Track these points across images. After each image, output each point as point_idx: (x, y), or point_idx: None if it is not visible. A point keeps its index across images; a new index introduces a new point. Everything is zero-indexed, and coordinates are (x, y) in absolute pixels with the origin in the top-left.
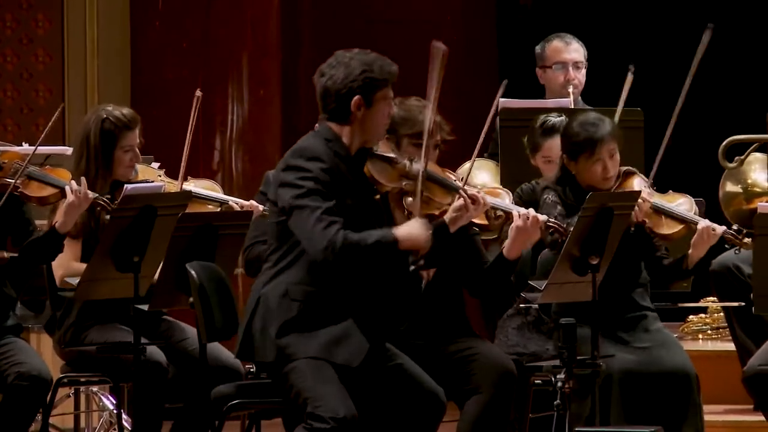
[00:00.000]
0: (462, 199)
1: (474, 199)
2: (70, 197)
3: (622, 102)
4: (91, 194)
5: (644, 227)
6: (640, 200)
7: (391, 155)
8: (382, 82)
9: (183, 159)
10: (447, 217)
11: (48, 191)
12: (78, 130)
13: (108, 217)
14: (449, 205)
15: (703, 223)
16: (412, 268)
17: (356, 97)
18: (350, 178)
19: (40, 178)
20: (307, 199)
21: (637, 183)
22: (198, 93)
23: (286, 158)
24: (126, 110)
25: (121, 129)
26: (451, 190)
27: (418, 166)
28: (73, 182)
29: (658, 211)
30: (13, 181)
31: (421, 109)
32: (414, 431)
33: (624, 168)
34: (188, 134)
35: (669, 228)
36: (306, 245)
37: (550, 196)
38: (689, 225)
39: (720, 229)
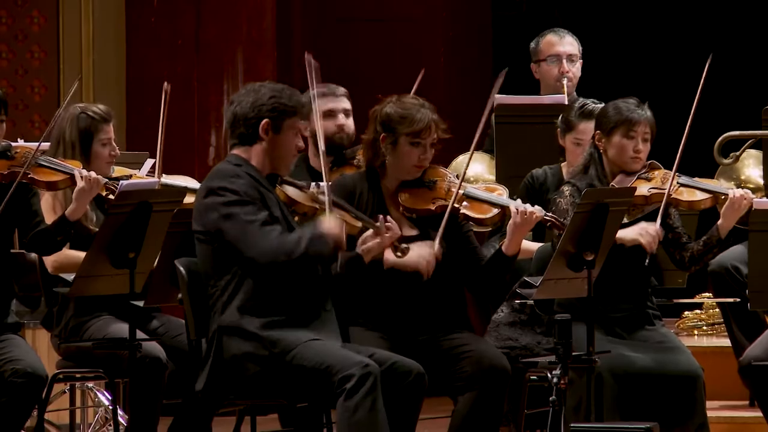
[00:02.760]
0: (371, 228)
1: (385, 227)
2: (80, 183)
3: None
4: (102, 179)
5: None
6: (652, 234)
7: (299, 183)
8: (290, 109)
9: (158, 153)
10: (359, 249)
11: (57, 176)
12: (53, 130)
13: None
14: (361, 228)
15: (736, 192)
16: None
17: (264, 121)
18: (270, 193)
19: (50, 165)
20: (243, 214)
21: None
22: (166, 86)
23: (204, 185)
24: (100, 105)
25: (98, 122)
26: (360, 218)
27: (323, 197)
28: (83, 168)
29: (686, 186)
30: (23, 168)
31: (418, 108)
32: (399, 415)
33: (650, 161)
34: (160, 128)
35: (695, 196)
36: (256, 257)
37: (565, 197)
38: (716, 196)
39: (752, 196)
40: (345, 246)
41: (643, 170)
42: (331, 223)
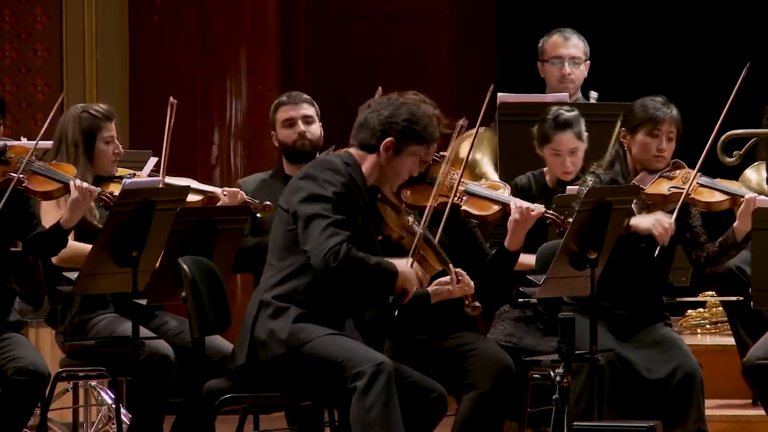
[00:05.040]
0: (450, 275)
1: (459, 278)
2: (74, 193)
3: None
4: (95, 189)
5: (689, 207)
6: (665, 226)
7: (400, 205)
8: (418, 137)
9: (162, 166)
10: (431, 289)
11: (52, 186)
12: (56, 129)
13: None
14: (439, 270)
15: (750, 194)
16: (391, 303)
17: (389, 139)
18: (363, 202)
19: (44, 173)
20: (320, 208)
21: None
22: (172, 100)
23: (306, 168)
24: (101, 104)
25: (100, 120)
26: (443, 261)
27: (417, 228)
28: (77, 179)
29: (705, 186)
30: (17, 175)
31: (419, 103)
32: (415, 429)
33: (674, 160)
34: (165, 140)
35: (713, 198)
36: (309, 251)
37: (588, 186)
38: (735, 198)
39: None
40: (406, 299)
41: (666, 169)
42: (410, 272)
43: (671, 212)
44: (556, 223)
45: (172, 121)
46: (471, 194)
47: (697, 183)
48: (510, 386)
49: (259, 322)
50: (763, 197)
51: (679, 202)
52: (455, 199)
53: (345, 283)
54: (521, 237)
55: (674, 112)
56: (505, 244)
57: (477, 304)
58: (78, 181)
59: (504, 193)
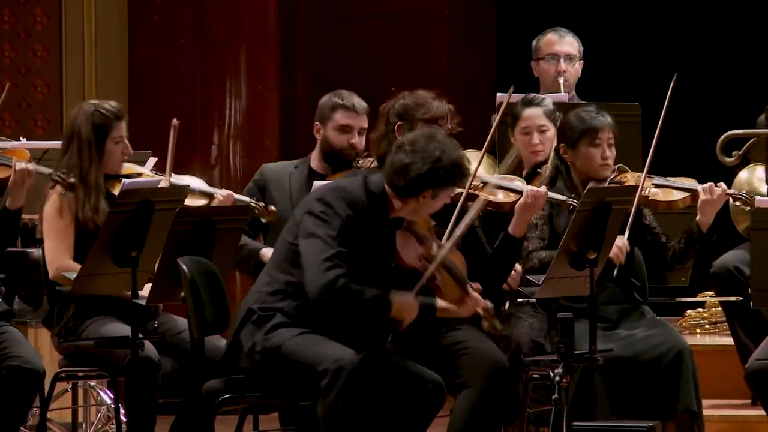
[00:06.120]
0: (468, 296)
1: (473, 300)
2: (13, 175)
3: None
4: (32, 167)
5: (642, 210)
6: (619, 245)
7: (426, 233)
8: (458, 180)
9: (167, 179)
10: (439, 304)
11: (6, 172)
12: (66, 127)
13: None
14: (459, 298)
15: (705, 185)
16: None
17: (428, 190)
18: (375, 231)
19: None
20: (325, 235)
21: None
22: (175, 122)
23: (324, 191)
24: (113, 102)
25: (112, 120)
26: (461, 284)
27: (440, 255)
28: (20, 161)
29: (660, 186)
30: None
31: (434, 96)
32: (412, 420)
33: (618, 165)
34: (168, 162)
35: (672, 196)
36: (305, 277)
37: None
38: (694, 194)
39: (723, 186)
40: (402, 327)
41: (613, 175)
42: (411, 302)
43: (623, 229)
44: (565, 203)
45: (175, 141)
46: (486, 183)
47: (652, 184)
48: (503, 384)
49: (244, 329)
50: (760, 197)
51: (634, 203)
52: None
53: (337, 313)
54: (527, 221)
55: (608, 118)
56: (510, 229)
57: (497, 325)
58: (19, 163)
59: (516, 183)
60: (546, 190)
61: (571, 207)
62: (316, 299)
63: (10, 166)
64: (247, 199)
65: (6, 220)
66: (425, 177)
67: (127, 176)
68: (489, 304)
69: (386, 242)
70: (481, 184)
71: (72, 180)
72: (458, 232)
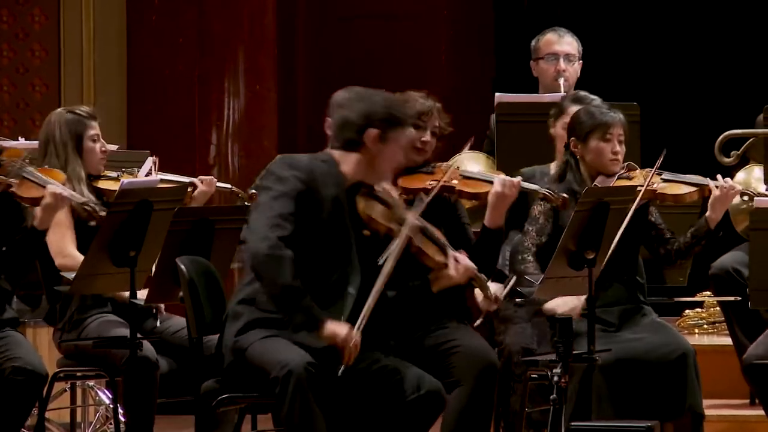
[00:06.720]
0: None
1: (457, 261)
2: (47, 198)
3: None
4: (66, 192)
5: (648, 208)
6: (578, 312)
7: (392, 198)
8: (402, 122)
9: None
10: (430, 276)
11: (40, 192)
12: (41, 133)
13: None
14: (441, 262)
15: (720, 182)
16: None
17: (373, 131)
18: (331, 199)
19: (33, 179)
20: (270, 199)
21: None
22: (153, 158)
23: (269, 165)
24: (82, 106)
25: (86, 119)
26: (441, 248)
27: (411, 217)
28: (55, 185)
29: (668, 181)
30: (6, 178)
31: (412, 96)
32: (410, 427)
33: (627, 162)
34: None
35: (680, 190)
36: (246, 239)
37: (540, 204)
38: (702, 189)
39: (738, 186)
40: (345, 360)
41: (622, 171)
42: (347, 332)
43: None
44: (550, 199)
45: (153, 174)
46: (464, 177)
47: (661, 179)
48: (494, 382)
49: (226, 329)
50: (760, 197)
51: (638, 197)
52: (447, 181)
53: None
54: (502, 212)
55: (620, 115)
56: (485, 221)
57: (490, 294)
58: (53, 187)
59: (498, 174)
60: (520, 179)
61: (541, 196)
62: (253, 254)
63: (44, 187)
64: (228, 186)
65: (34, 239)
66: (365, 118)
67: (111, 177)
68: (471, 264)
69: (349, 211)
70: (457, 168)
71: (103, 214)
72: (427, 198)
